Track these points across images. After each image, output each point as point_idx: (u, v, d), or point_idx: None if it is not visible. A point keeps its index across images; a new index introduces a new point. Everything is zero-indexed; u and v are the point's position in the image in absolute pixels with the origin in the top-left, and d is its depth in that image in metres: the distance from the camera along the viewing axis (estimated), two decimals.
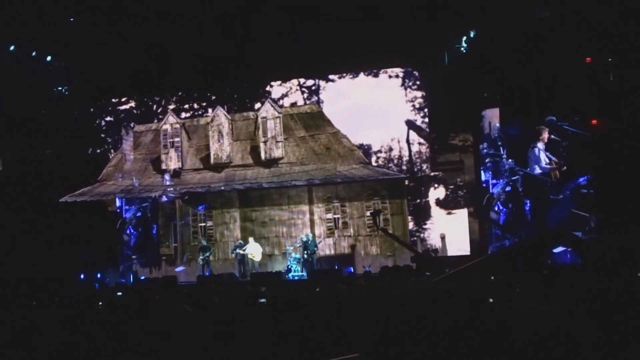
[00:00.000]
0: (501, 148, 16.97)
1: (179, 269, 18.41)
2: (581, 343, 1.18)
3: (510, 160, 16.44)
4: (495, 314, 1.06)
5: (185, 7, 17.00)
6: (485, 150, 17.44)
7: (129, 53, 18.63)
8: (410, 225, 18.73)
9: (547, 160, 14.75)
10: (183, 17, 17.25)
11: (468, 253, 17.30)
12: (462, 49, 17.21)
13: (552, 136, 14.56)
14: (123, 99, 21.70)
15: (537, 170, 14.76)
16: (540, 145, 14.73)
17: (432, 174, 18.98)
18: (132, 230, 19.98)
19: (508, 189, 16.74)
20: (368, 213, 18.49)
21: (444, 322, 1.02)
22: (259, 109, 19.73)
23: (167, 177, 19.71)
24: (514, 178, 16.34)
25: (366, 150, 19.29)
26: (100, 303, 8.11)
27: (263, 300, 6.73)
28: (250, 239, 18.42)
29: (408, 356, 1.01)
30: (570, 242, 12.50)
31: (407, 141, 19.17)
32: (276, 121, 19.14)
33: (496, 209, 17.28)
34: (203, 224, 19.50)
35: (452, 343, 1.00)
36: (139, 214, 19.95)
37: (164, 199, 19.48)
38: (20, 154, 19.74)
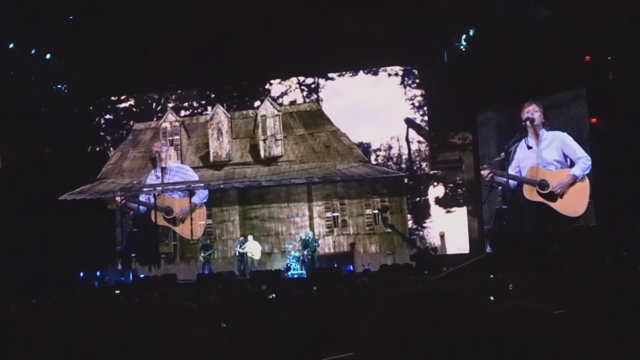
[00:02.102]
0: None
1: None
2: (579, 342, 1.19)
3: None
4: (493, 315, 1.07)
5: (185, 5, 16.99)
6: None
7: (129, 51, 18.63)
8: (410, 223, 18.75)
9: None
10: (183, 16, 17.25)
11: (467, 251, 17.32)
12: (462, 47, 17.22)
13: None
14: (122, 97, 21.71)
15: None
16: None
17: (431, 172, 19.00)
18: (126, 229, 19.92)
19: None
20: (368, 211, 18.53)
21: (440, 323, 1.03)
22: (258, 107, 19.74)
23: (158, 172, 19.54)
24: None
25: (365, 148, 19.30)
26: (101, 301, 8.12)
27: (273, 295, 6.82)
28: (250, 237, 18.46)
29: (404, 357, 1.02)
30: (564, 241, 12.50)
31: (407, 139, 19.19)
32: (275, 119, 19.14)
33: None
34: (202, 222, 19.48)
35: (448, 344, 1.00)
36: (133, 213, 19.89)
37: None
38: (19, 152, 19.75)
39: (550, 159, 14.74)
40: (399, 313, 1.07)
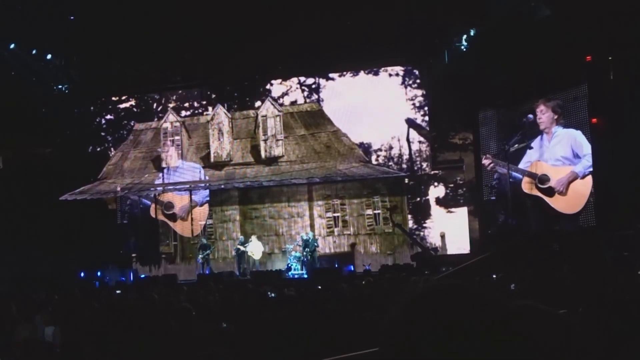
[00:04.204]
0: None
1: None
2: (584, 343, 1.18)
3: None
4: (509, 312, 1.07)
5: (186, 6, 17.00)
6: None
7: (129, 51, 18.65)
8: (410, 223, 18.74)
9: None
10: (183, 16, 17.25)
11: (468, 252, 17.31)
12: (462, 47, 17.21)
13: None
14: (123, 97, 21.72)
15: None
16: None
17: (432, 172, 18.99)
18: (127, 230, 19.97)
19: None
20: (369, 211, 18.55)
21: (464, 319, 1.02)
22: (259, 107, 19.73)
23: (164, 175, 19.66)
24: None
25: (366, 148, 19.29)
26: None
27: (273, 295, 6.87)
28: (253, 237, 18.41)
29: (427, 352, 1.01)
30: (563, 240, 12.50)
31: (407, 140, 19.18)
32: (276, 119, 19.14)
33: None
34: (202, 222, 19.49)
35: (469, 340, 1.00)
36: (135, 210, 19.91)
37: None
38: (20, 152, 19.75)
39: (559, 155, 14.83)
40: (425, 308, 1.07)
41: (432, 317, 1.04)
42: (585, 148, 14.19)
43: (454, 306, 1.05)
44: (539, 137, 15.05)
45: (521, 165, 15.17)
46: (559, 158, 14.75)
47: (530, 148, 14.86)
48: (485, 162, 15.17)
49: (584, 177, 14.30)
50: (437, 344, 1.01)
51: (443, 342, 1.01)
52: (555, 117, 14.88)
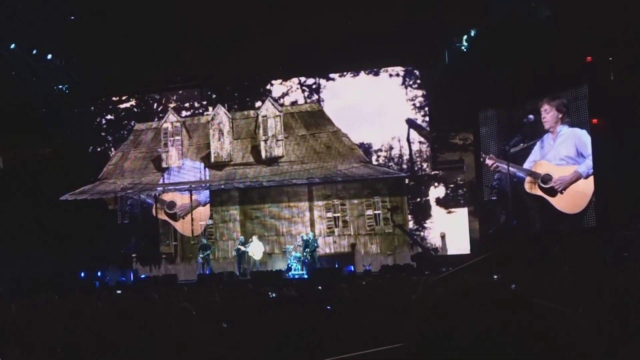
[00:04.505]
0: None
1: None
2: (586, 343, 1.18)
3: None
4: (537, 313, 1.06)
5: (186, 6, 17.00)
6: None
7: (130, 51, 18.65)
8: (411, 224, 18.74)
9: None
10: (184, 16, 17.26)
11: (468, 252, 17.30)
12: (463, 47, 17.21)
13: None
14: (123, 98, 21.72)
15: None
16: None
17: (432, 172, 18.98)
18: (127, 230, 20.00)
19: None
20: (369, 211, 18.56)
21: (497, 319, 1.02)
22: (259, 108, 19.73)
23: (166, 175, 19.73)
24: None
25: (366, 149, 19.28)
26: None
27: (274, 295, 6.90)
28: (254, 237, 18.42)
29: (455, 350, 1.01)
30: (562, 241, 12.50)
31: (408, 140, 19.17)
32: (277, 120, 19.15)
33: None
34: (203, 222, 19.51)
35: (500, 341, 1.00)
36: (136, 210, 19.93)
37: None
38: (20, 152, 19.78)
39: (563, 154, 14.87)
40: (458, 305, 1.06)
41: (464, 316, 1.03)
42: (589, 148, 14.22)
43: (487, 306, 1.04)
44: (542, 137, 15.09)
45: (526, 165, 15.20)
46: (563, 157, 14.78)
47: (532, 148, 14.92)
48: (489, 162, 15.22)
49: (587, 177, 14.32)
50: (466, 344, 1.00)
51: (472, 342, 1.00)
52: (560, 115, 14.91)
